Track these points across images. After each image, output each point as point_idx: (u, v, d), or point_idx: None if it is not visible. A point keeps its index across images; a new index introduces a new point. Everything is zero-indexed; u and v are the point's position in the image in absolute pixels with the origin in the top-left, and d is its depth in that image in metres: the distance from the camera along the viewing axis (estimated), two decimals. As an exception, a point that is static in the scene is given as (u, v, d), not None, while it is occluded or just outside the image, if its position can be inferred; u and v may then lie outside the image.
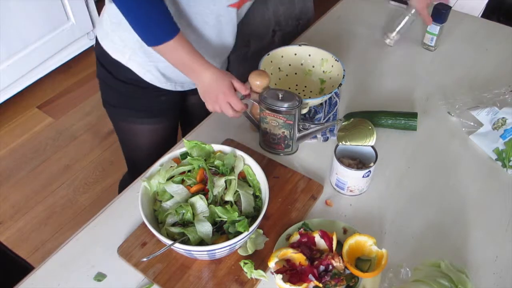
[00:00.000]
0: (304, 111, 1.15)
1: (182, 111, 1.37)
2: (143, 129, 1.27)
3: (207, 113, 1.15)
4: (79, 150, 2.30)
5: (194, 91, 1.08)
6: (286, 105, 1.00)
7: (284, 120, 1.03)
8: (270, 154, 1.12)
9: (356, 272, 0.84)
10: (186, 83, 1.20)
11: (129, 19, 0.92)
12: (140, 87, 1.16)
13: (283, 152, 1.11)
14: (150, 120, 1.26)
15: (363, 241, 0.87)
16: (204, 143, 0.94)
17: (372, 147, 0.99)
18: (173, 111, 1.31)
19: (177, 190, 0.88)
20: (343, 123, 1.02)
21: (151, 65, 1.12)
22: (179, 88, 1.20)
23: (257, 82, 1.05)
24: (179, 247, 0.79)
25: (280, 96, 1.01)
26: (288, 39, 1.54)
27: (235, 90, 1.01)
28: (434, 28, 1.38)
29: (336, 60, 1.21)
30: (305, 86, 1.28)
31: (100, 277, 0.88)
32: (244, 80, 1.30)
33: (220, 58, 1.22)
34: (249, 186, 0.92)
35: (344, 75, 1.17)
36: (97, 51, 1.17)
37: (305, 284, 0.81)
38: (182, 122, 1.47)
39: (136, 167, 1.32)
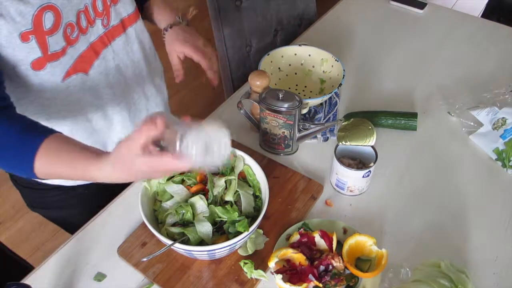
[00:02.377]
0: (304, 111, 1.15)
1: None
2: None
3: None
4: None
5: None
6: (286, 105, 1.00)
7: (284, 120, 1.03)
8: (270, 154, 1.12)
9: (356, 272, 0.84)
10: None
11: None
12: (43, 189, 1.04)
13: (283, 152, 1.11)
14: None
15: (363, 241, 0.87)
16: (204, 143, 0.94)
17: (372, 147, 0.99)
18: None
19: (177, 190, 0.88)
20: (343, 123, 1.02)
21: None
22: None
23: (257, 82, 1.05)
24: (179, 247, 0.79)
25: (280, 96, 1.01)
26: (290, 39, 1.54)
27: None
28: None
29: (336, 60, 1.22)
30: (305, 86, 1.28)
31: (100, 277, 0.88)
32: (244, 80, 1.30)
33: (156, 79, 1.11)
34: (249, 186, 0.92)
35: (344, 75, 1.17)
36: None
37: (305, 284, 0.81)
38: None
39: None
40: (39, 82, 0.83)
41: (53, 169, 0.71)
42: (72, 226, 1.16)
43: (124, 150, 0.65)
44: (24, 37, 0.76)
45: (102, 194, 1.04)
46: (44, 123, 0.77)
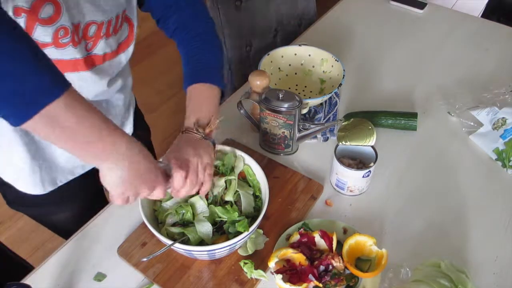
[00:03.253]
0: (304, 111, 1.15)
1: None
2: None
3: None
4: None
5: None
6: (286, 105, 1.00)
7: (284, 120, 1.03)
8: (270, 154, 1.12)
9: (356, 272, 0.84)
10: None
11: None
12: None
13: (283, 152, 1.11)
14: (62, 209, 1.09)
15: (363, 241, 0.87)
16: (204, 143, 0.94)
17: (372, 147, 0.99)
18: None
19: (177, 190, 0.88)
20: (343, 123, 1.02)
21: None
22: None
23: (257, 82, 1.05)
24: (179, 247, 0.79)
25: (280, 96, 1.01)
26: (290, 39, 1.54)
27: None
28: None
29: (336, 60, 1.22)
30: (305, 86, 1.28)
31: (100, 277, 0.88)
32: (244, 80, 1.30)
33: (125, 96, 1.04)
34: (249, 186, 0.92)
35: (344, 75, 1.17)
36: None
37: (305, 284, 0.81)
38: None
39: None
40: None
41: (79, 112, 0.61)
42: (53, 225, 1.16)
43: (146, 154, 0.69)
44: (16, 12, 0.72)
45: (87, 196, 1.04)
46: None
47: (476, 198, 1.02)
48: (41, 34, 0.78)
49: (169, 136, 2.34)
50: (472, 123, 1.17)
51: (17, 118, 0.58)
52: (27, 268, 0.95)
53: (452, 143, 1.15)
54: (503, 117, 1.11)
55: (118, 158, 0.66)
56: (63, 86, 0.60)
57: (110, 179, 0.68)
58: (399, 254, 0.89)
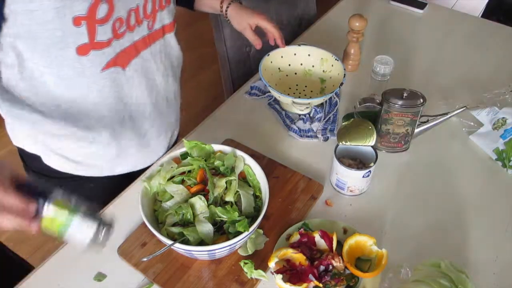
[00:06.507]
0: (306, 111, 1.16)
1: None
2: None
3: None
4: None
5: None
6: (413, 102, 1.02)
7: (411, 118, 1.04)
8: (270, 154, 1.11)
9: (356, 272, 0.84)
10: (108, 166, 1.07)
11: None
12: (56, 178, 1.05)
13: (401, 149, 1.12)
14: None
15: (363, 241, 0.87)
16: (204, 143, 0.94)
17: (372, 147, 0.99)
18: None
19: (177, 191, 0.88)
20: (343, 123, 1.02)
21: (46, 147, 1.00)
22: (98, 173, 1.07)
23: (356, 23, 1.22)
24: (179, 247, 0.79)
25: (404, 95, 1.03)
26: (290, 39, 1.54)
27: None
28: None
29: (336, 59, 1.22)
30: (306, 86, 1.28)
31: (100, 277, 0.88)
32: (244, 80, 1.30)
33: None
34: (249, 186, 0.92)
35: (345, 74, 1.17)
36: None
37: (305, 284, 0.81)
38: None
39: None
40: (81, 68, 0.86)
41: None
42: None
43: None
44: (76, 21, 0.78)
45: (110, 193, 1.05)
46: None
47: (476, 198, 1.02)
48: (102, 33, 0.83)
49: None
50: (472, 123, 1.17)
51: None
52: (27, 268, 0.95)
53: (452, 143, 1.15)
54: (503, 117, 1.11)
55: None
56: None
57: None
58: (399, 254, 0.90)
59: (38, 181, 0.71)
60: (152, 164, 1.12)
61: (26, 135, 1.01)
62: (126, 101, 0.97)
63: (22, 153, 1.06)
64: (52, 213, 0.65)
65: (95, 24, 0.81)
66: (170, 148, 1.17)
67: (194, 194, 0.88)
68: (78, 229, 0.68)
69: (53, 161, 1.03)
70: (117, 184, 1.06)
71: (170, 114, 1.13)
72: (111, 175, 1.08)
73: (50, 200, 0.65)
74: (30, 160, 1.06)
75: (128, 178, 1.07)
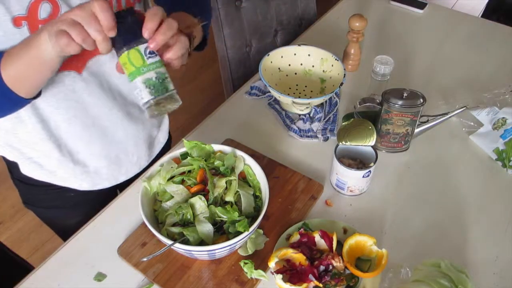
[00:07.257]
0: (306, 111, 1.16)
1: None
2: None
3: None
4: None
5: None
6: (413, 102, 1.02)
7: (411, 118, 1.04)
8: (270, 154, 1.11)
9: (356, 272, 0.84)
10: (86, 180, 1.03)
11: None
12: (34, 186, 1.03)
13: (401, 149, 1.12)
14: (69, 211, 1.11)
15: (363, 241, 0.87)
16: (204, 143, 0.94)
17: (372, 147, 0.99)
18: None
19: (177, 191, 0.88)
20: (343, 123, 1.02)
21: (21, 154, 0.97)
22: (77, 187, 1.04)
23: (356, 23, 1.20)
24: (179, 247, 0.79)
25: (404, 95, 1.03)
26: (290, 39, 1.54)
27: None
28: None
29: (336, 59, 1.22)
30: (306, 86, 1.28)
31: (100, 277, 0.88)
32: (244, 80, 1.30)
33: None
34: (249, 186, 0.92)
35: (345, 74, 1.17)
36: None
37: (305, 284, 0.81)
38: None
39: None
40: None
41: (10, 66, 0.71)
42: (60, 228, 1.17)
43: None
44: (16, 22, 0.74)
45: (95, 201, 1.04)
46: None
47: (476, 198, 1.02)
48: None
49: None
50: (472, 123, 1.17)
51: None
52: (27, 268, 0.95)
53: (452, 143, 1.15)
54: (503, 117, 1.11)
55: (43, 28, 0.67)
56: None
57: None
58: (399, 254, 0.90)
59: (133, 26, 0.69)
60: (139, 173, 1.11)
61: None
62: (88, 108, 0.92)
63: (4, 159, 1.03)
64: (128, 56, 0.67)
65: (38, 24, 0.76)
66: (153, 157, 1.15)
67: (194, 194, 0.88)
68: (142, 86, 0.69)
69: (29, 170, 1.00)
70: (103, 196, 1.04)
71: (145, 120, 1.06)
72: (92, 189, 1.06)
73: (131, 46, 0.67)
74: (11, 168, 1.03)
75: (119, 188, 1.05)
